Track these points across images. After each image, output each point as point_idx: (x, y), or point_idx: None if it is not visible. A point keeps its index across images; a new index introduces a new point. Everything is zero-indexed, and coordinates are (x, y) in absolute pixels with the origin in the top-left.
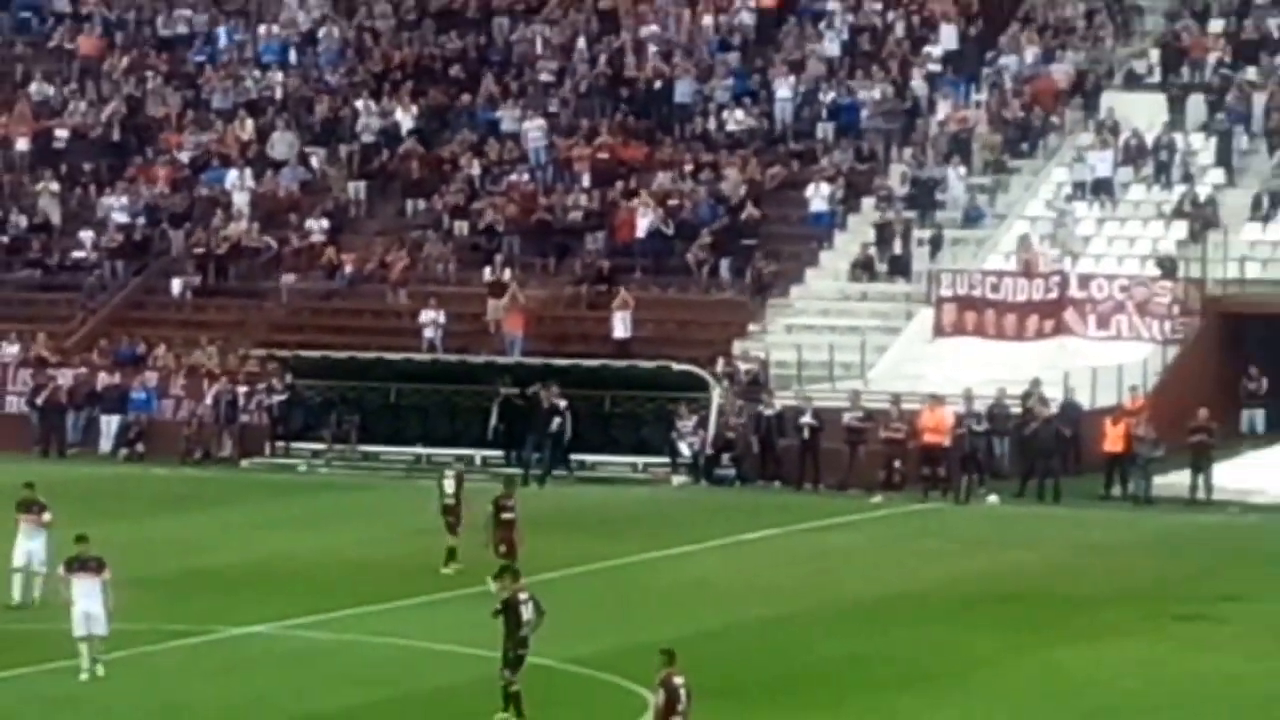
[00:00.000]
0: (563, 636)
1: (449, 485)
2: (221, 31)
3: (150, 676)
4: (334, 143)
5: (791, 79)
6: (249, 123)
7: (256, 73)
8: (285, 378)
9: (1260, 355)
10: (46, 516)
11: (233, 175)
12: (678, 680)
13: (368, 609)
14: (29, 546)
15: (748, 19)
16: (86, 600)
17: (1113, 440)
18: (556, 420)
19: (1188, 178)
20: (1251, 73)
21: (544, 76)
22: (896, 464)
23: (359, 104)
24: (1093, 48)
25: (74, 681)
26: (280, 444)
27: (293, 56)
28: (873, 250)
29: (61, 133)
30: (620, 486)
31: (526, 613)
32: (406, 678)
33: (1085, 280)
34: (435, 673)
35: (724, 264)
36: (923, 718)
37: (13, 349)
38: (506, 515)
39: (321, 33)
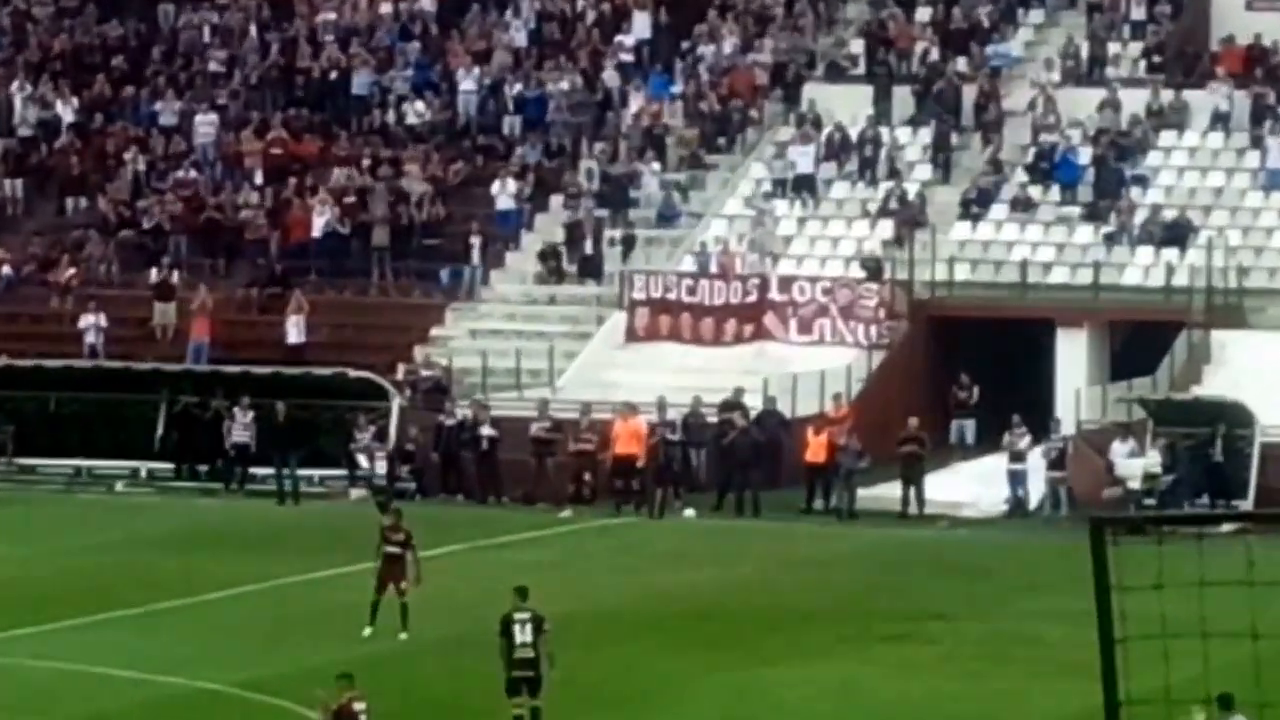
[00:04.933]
0: (233, 660)
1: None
2: None
3: None
4: None
5: (476, 70)
6: None
7: None
8: None
9: (971, 362)
10: None
11: None
12: (358, 706)
13: (23, 631)
14: None
15: (429, 5)
16: None
17: (815, 450)
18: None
19: (894, 174)
20: (961, 63)
21: (212, 67)
22: (586, 476)
23: (14, 95)
24: (793, 36)
25: None
26: None
27: None
28: (562, 250)
29: None
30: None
31: (523, 634)
32: (64, 703)
33: (786, 282)
34: (94, 697)
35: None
36: None
37: None
38: (391, 549)
39: None
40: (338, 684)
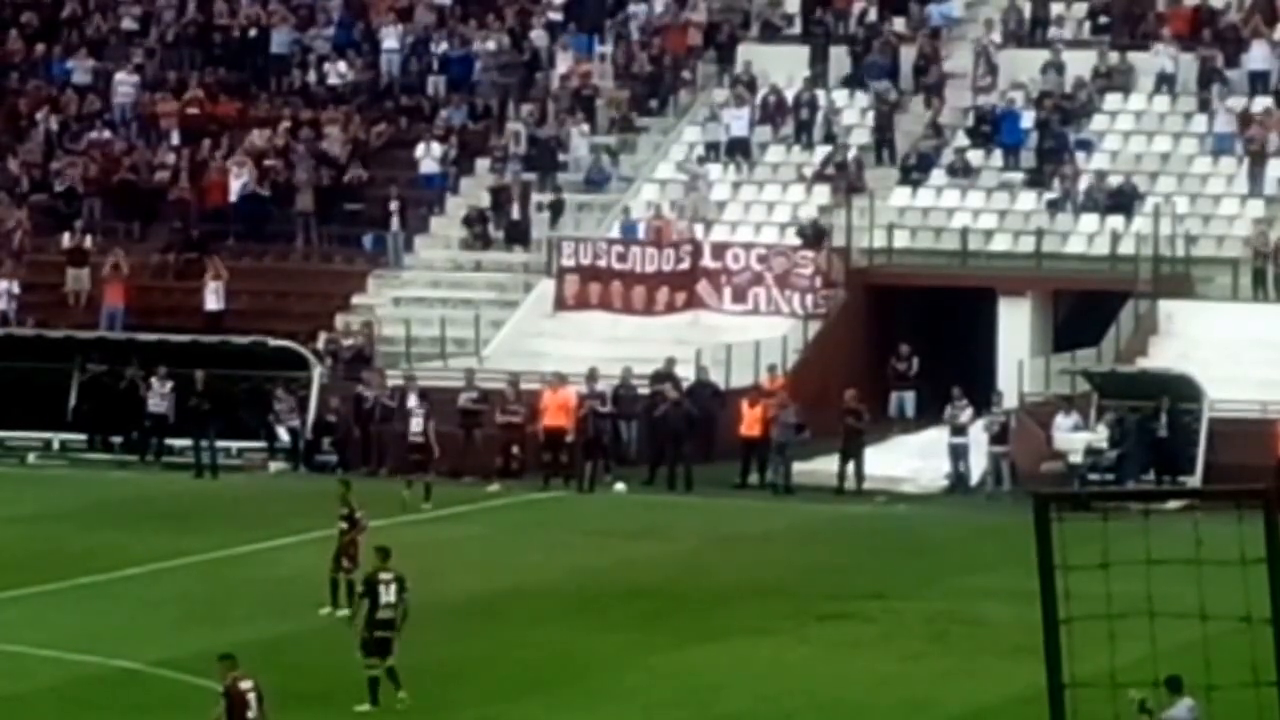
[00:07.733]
0: (150, 638)
1: None
2: None
3: None
4: None
5: (399, 28)
6: None
7: None
8: None
9: (910, 332)
10: None
11: None
12: (245, 685)
13: None
14: None
15: None
16: None
17: (749, 423)
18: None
19: (831, 138)
20: (899, 23)
21: (126, 24)
22: (514, 449)
23: None
24: None
25: None
26: None
27: None
28: (488, 215)
29: None
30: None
31: (387, 594)
32: None
33: (720, 249)
34: (8, 676)
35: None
36: None
37: None
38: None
39: None
40: (220, 665)
